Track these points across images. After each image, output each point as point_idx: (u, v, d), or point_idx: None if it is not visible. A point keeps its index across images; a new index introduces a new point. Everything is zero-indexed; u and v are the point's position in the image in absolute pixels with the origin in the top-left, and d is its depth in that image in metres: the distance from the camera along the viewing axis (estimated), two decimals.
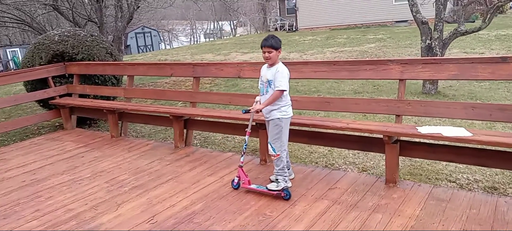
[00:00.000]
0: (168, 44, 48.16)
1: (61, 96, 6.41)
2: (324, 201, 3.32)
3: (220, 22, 54.25)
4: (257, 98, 3.62)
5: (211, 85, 10.13)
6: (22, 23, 10.01)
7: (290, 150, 4.87)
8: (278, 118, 3.42)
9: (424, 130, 3.33)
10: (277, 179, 3.45)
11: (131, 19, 10.17)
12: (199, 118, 4.96)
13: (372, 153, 4.50)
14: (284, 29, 28.23)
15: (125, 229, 3.08)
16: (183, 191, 3.72)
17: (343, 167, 4.39)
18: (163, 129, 6.47)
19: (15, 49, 31.41)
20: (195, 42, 47.40)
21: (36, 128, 7.00)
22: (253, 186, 3.55)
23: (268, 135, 3.55)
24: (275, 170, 3.47)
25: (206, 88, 9.68)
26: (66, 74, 6.52)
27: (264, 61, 3.52)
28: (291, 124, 3.88)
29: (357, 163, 4.49)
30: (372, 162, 4.47)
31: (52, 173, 4.45)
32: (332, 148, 4.83)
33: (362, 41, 16.10)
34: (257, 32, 36.28)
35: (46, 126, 7.06)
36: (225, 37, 43.50)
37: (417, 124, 3.80)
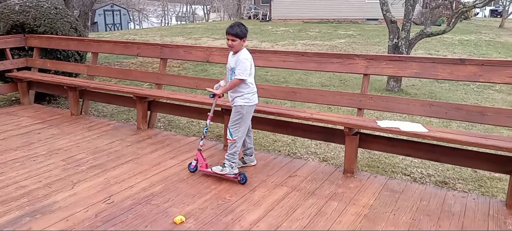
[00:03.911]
0: (137, 24, 46.86)
1: (18, 69, 6.10)
2: (283, 187, 3.37)
3: (193, 6, 53.33)
4: (220, 83, 3.64)
5: (179, 69, 9.98)
6: None
7: (254, 137, 4.89)
8: (240, 105, 3.45)
9: (383, 124, 3.43)
10: (224, 163, 3.49)
11: None
12: (164, 100, 4.88)
13: (333, 144, 4.61)
14: (258, 18, 28.17)
15: (79, 208, 3.00)
16: (143, 173, 3.66)
17: (304, 156, 4.47)
18: (126, 110, 6.32)
19: None
20: (166, 25, 46.37)
21: None
22: (208, 169, 3.56)
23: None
24: (227, 153, 3.50)
25: (175, 71, 9.53)
26: (26, 47, 6.21)
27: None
28: (257, 111, 3.90)
29: (318, 153, 4.58)
30: (332, 153, 4.58)
31: (5, 149, 4.25)
32: (296, 138, 4.91)
33: (333, 36, 16.34)
34: (230, 19, 35.98)
35: (1, 100, 6.72)
36: (197, 22, 42.85)
37: (377, 118, 3.91)
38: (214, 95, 3.53)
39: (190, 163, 3.68)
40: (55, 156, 4.05)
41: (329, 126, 3.86)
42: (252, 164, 3.83)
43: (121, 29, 34.17)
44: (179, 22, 46.67)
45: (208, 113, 3.64)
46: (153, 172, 3.67)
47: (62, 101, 6.69)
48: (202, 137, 3.63)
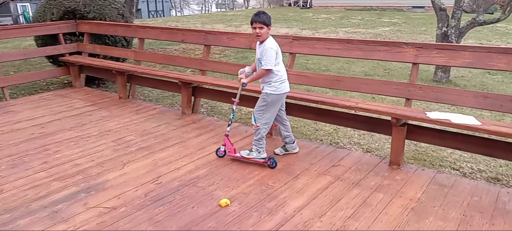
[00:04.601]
0: (179, 11, 47.67)
1: (71, 54, 6.42)
2: (326, 177, 3.35)
3: None
4: (246, 69, 3.64)
5: (220, 55, 10.08)
6: None
7: (295, 126, 4.89)
8: (266, 93, 3.47)
9: (433, 115, 3.31)
10: (251, 149, 3.55)
11: None
12: (207, 86, 4.96)
13: (377, 135, 4.50)
14: (298, 5, 27.79)
15: (130, 187, 3.14)
16: (188, 156, 3.76)
17: (347, 146, 4.40)
18: (171, 95, 6.49)
19: (26, 4, 31.26)
20: (206, 12, 46.85)
21: (45, 83, 7.04)
22: (237, 154, 3.61)
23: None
24: (254, 139, 3.54)
25: (216, 58, 9.63)
26: (77, 32, 6.51)
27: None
28: (299, 99, 3.89)
29: (362, 143, 4.49)
30: (377, 144, 4.48)
31: (60, 128, 4.51)
32: (338, 127, 4.84)
33: (376, 24, 15.86)
34: (270, 6, 35.74)
35: (55, 82, 7.10)
36: (237, 9, 42.94)
37: (425, 109, 3.78)
38: (246, 84, 3.57)
39: (218, 148, 3.74)
40: (106, 137, 4.25)
41: (374, 115, 3.77)
42: (295, 151, 3.83)
43: (163, 16, 34.92)
44: (219, 10, 46.99)
45: (233, 99, 3.69)
46: (198, 155, 3.77)
47: (110, 85, 6.97)
48: (229, 122, 3.68)
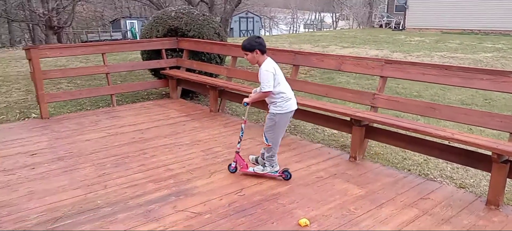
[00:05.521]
0: (267, 31, 49.12)
1: (171, 68, 7.01)
2: (413, 209, 3.18)
3: (321, 14, 53.56)
4: (258, 89, 3.64)
5: (306, 75, 10.14)
6: None
7: (381, 152, 4.73)
8: (273, 113, 3.53)
9: None
10: (264, 164, 3.67)
11: (239, 3, 10.60)
12: None
13: (473, 170, 4.15)
14: (390, 27, 26.86)
15: (215, 196, 3.32)
16: None
17: (438, 179, 4.12)
18: (257, 111, 6.70)
19: (133, 21, 34.87)
20: (294, 32, 47.51)
21: (145, 93, 7.77)
22: (249, 170, 3.70)
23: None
24: (265, 156, 3.64)
25: (301, 78, 9.72)
26: (177, 49, 7.10)
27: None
28: (389, 124, 3.77)
29: (455, 177, 4.17)
30: (472, 180, 4.12)
31: (157, 135, 4.94)
32: (429, 158, 4.56)
33: (477, 49, 14.63)
34: (359, 27, 35.06)
35: (154, 93, 7.79)
36: (325, 29, 42.87)
37: None
38: (247, 104, 3.58)
39: (230, 165, 3.80)
40: (196, 146, 4.54)
41: (471, 148, 3.49)
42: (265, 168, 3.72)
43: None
44: (306, 30, 47.41)
45: (243, 117, 3.62)
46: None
47: (202, 99, 7.44)
48: (239, 140, 3.73)
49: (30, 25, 27.81)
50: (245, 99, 3.58)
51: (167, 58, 6.99)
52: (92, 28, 36.79)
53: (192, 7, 7.22)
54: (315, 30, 44.36)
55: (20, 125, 5.55)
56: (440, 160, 4.40)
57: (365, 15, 34.81)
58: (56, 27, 22.54)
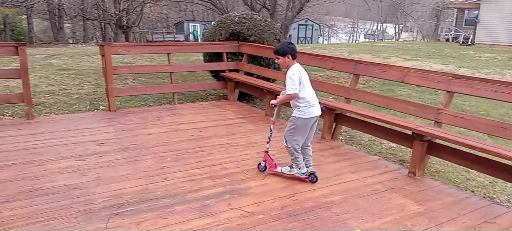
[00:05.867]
0: (326, 39, 48.59)
1: (230, 70, 7.20)
2: None
3: (384, 24, 52.02)
4: (283, 91, 3.77)
5: (364, 86, 9.91)
6: (209, 2, 11.48)
7: (442, 170, 4.52)
8: (295, 116, 3.64)
9: None
10: (291, 166, 3.76)
11: (301, 10, 10.64)
12: (351, 115, 4.96)
13: None
14: (458, 41, 25.42)
15: (268, 198, 3.36)
16: (324, 179, 3.82)
17: (506, 204, 3.84)
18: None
19: (196, 24, 36.16)
20: (354, 41, 46.57)
21: (204, 93, 8.04)
22: (277, 170, 3.82)
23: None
24: (291, 158, 3.73)
25: (359, 88, 9.51)
26: (237, 52, 7.28)
27: None
28: (454, 142, 3.60)
29: None
30: None
31: (214, 134, 5.09)
32: (496, 180, 4.27)
33: None
34: (423, 40, 33.55)
35: (212, 94, 8.04)
36: (386, 40, 41.59)
37: None
38: (275, 105, 3.75)
39: (259, 164, 3.94)
40: (251, 148, 4.63)
41: None
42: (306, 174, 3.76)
43: (311, 43, 36.06)
44: (367, 40, 46.26)
45: (271, 118, 4.00)
46: (334, 181, 3.80)
47: (257, 102, 7.55)
48: (268, 140, 3.89)
49: (102, 23, 29.90)
50: (272, 101, 3.77)
51: (227, 61, 7.19)
52: (156, 29, 38.74)
53: (254, 13, 7.37)
54: (376, 40, 43.15)
55: (90, 115, 6.00)
56: (509, 184, 4.10)
57: (431, 28, 33.26)
58: (125, 27, 24.04)
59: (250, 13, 7.34)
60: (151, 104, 7.05)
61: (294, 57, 3.63)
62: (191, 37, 34.17)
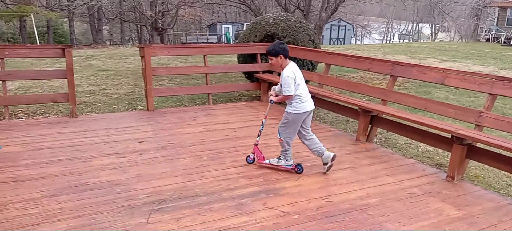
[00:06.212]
0: (359, 39, 47.80)
1: (264, 72, 7.26)
2: None
3: (419, 24, 50.56)
4: (276, 87, 3.99)
5: (400, 87, 9.71)
6: (243, 4, 11.62)
7: (482, 175, 4.37)
8: (288, 112, 3.83)
9: None
10: (279, 157, 3.95)
11: (335, 11, 10.56)
12: (387, 117, 4.90)
13: None
14: (499, 42, 24.34)
15: (303, 198, 3.39)
16: (360, 182, 3.80)
17: None
18: (345, 120, 6.62)
19: (229, 25, 36.54)
20: (388, 41, 45.55)
21: (237, 94, 8.14)
22: (266, 161, 3.99)
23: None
24: (281, 150, 3.93)
25: (394, 89, 9.33)
26: None
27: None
28: (496, 146, 3.50)
29: None
30: None
31: (249, 134, 5.17)
32: None
33: None
34: (461, 40, 32.33)
35: (245, 95, 8.13)
36: (422, 41, 40.40)
37: None
38: (273, 102, 3.93)
39: (248, 156, 4.10)
40: None
41: None
42: (330, 159, 3.90)
43: (344, 43, 35.59)
44: (401, 40, 45.12)
45: (264, 113, 4.17)
46: (370, 184, 3.77)
47: None
48: (259, 133, 4.07)
49: (139, 26, 30.83)
50: (272, 98, 3.94)
51: (261, 62, 7.25)
52: (190, 31, 39.47)
53: (289, 14, 7.40)
54: (411, 41, 42.02)
55: (129, 115, 6.23)
56: None
57: (470, 28, 32.01)
58: (160, 29, 24.69)
59: (284, 14, 7.39)
60: (186, 105, 7.23)
61: (286, 57, 3.79)
62: (223, 38, 34.57)
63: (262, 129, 4.11)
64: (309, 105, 3.85)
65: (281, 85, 3.85)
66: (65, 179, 3.67)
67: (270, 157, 4.10)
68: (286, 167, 3.95)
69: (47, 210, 3.10)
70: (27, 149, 4.43)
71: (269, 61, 3.90)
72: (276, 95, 3.99)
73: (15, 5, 23.59)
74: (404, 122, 4.66)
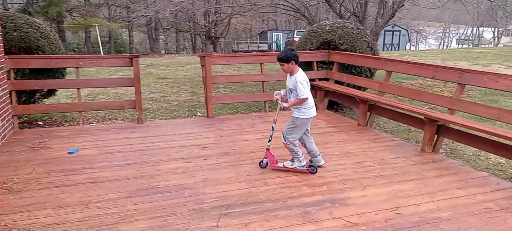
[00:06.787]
0: (413, 45, 46.01)
1: (320, 79, 7.23)
2: None
3: (480, 28, 47.75)
4: (281, 92, 4.15)
5: (464, 96, 9.23)
6: (297, 11, 11.65)
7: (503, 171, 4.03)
8: (295, 117, 3.97)
9: None
10: (292, 160, 4.08)
11: (392, 17, 10.29)
12: (455, 127, 4.68)
13: None
14: None
15: (370, 210, 3.33)
16: (429, 194, 3.66)
17: None
18: (406, 129, 6.42)
19: (279, 33, 36.70)
20: (445, 47, 43.41)
21: None
22: (279, 165, 4.10)
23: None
24: (291, 153, 4.05)
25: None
26: (327, 61, 7.28)
27: None
28: None
29: None
30: None
31: None
32: None
33: None
34: None
35: None
36: (483, 46, 38.09)
37: None
38: (287, 108, 4.01)
39: (261, 161, 4.19)
40: (346, 158, 4.60)
41: None
42: (320, 164, 4.18)
43: (398, 49, 34.44)
44: (459, 45, 42.85)
45: (273, 118, 4.19)
46: (440, 196, 3.62)
47: (347, 112, 7.46)
48: (270, 138, 4.17)
49: (193, 35, 31.89)
50: (285, 104, 4.04)
51: (317, 70, 7.23)
52: (241, 39, 40.14)
53: (346, 21, 7.32)
54: (470, 46, 39.73)
55: (191, 121, 6.47)
56: None
57: None
58: (213, 38, 25.37)
59: (341, 21, 7.32)
60: (243, 112, 7.37)
61: (296, 63, 3.98)
62: (274, 46, 34.77)
63: (272, 134, 4.22)
64: (314, 111, 4.07)
65: (290, 90, 4.02)
66: (137, 182, 3.88)
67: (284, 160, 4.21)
68: (301, 168, 4.07)
69: (124, 210, 3.30)
70: (101, 152, 4.75)
71: (281, 67, 4.03)
72: (282, 100, 4.13)
73: (82, 17, 25.38)
74: (473, 132, 4.42)
